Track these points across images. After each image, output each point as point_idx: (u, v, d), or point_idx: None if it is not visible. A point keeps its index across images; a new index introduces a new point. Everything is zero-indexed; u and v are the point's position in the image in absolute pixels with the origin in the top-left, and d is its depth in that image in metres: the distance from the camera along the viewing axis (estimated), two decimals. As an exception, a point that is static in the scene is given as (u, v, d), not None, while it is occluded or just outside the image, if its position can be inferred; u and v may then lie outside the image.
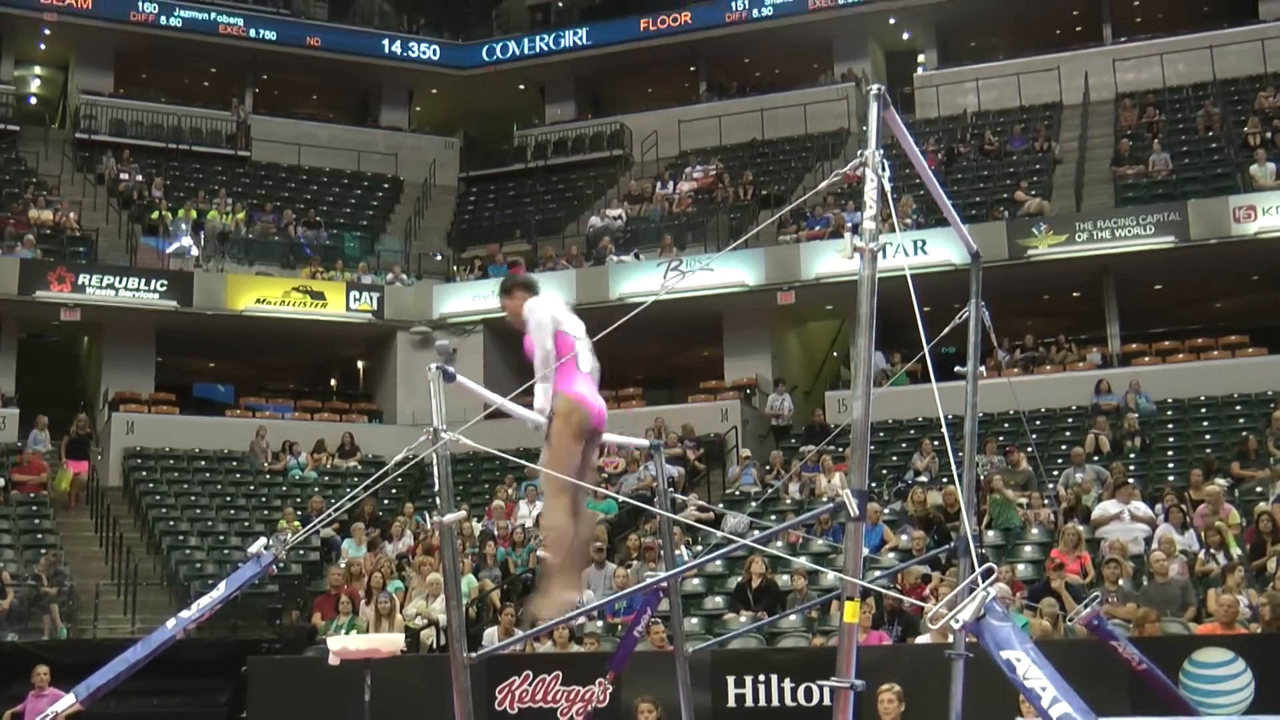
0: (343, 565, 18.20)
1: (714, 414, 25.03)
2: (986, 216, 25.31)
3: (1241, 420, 21.42)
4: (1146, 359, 24.18)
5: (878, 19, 34.77)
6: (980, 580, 4.39)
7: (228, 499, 24.34)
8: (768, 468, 21.85)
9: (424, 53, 36.83)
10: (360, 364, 30.67)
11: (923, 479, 19.86)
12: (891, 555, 16.61)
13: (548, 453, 6.61)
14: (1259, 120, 27.10)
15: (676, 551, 15.35)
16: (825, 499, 19.34)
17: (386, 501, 23.21)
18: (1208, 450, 20.11)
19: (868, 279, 4.83)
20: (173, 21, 34.27)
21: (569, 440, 6.59)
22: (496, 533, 19.73)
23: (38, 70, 37.25)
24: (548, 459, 6.59)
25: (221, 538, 22.82)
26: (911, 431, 22.17)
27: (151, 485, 24.44)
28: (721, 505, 20.55)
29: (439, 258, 31.14)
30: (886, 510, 18.47)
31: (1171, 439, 21.63)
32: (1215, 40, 31.40)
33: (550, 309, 6.98)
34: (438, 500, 6.62)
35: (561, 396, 6.65)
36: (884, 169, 4.93)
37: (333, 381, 31.58)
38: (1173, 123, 29.25)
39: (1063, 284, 25.96)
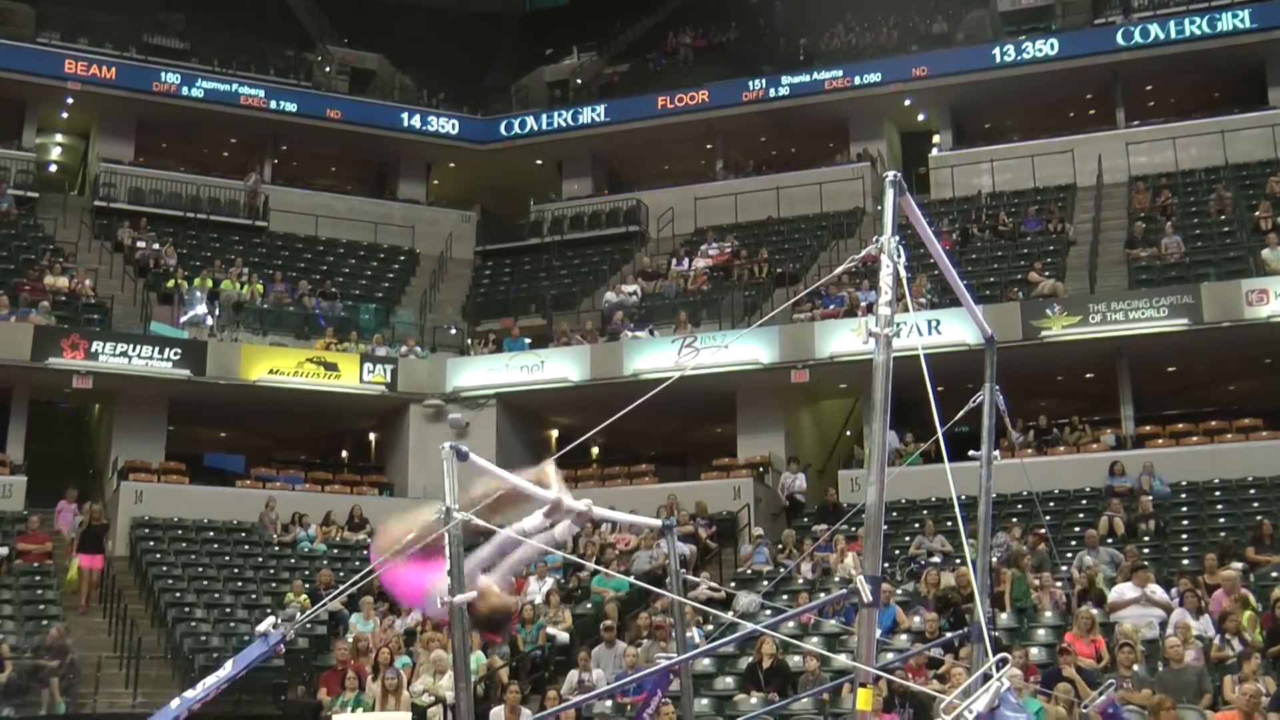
0: (350, 640, 18.10)
1: (727, 492, 24.95)
2: (1001, 297, 25.33)
3: (1256, 504, 21.30)
4: (1160, 441, 24.08)
5: (893, 100, 35.00)
6: (994, 670, 4.35)
7: (235, 571, 24.17)
8: (780, 547, 21.77)
9: (443, 127, 37.08)
10: (372, 436, 30.63)
11: (935, 560, 19.75)
12: (904, 637, 16.49)
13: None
14: (1270, 204, 27.16)
15: (688, 633, 15.26)
16: (838, 580, 19.24)
17: (396, 575, 23.08)
18: (1222, 534, 19.98)
19: (882, 364, 4.83)
20: (195, 92, 34.59)
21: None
22: (506, 608, 19.60)
23: (59, 138, 37.54)
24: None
25: (228, 610, 22.65)
26: (924, 512, 22.06)
27: (159, 556, 24.23)
28: (733, 584, 20.46)
29: (453, 331, 31.18)
30: (899, 591, 18.36)
31: (1186, 522, 21.49)
32: (1226, 125, 31.60)
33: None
34: (449, 579, 6.59)
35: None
36: (899, 254, 4.94)
37: (344, 453, 31.52)
38: (1185, 206, 29.33)
39: (1076, 365, 25.92)
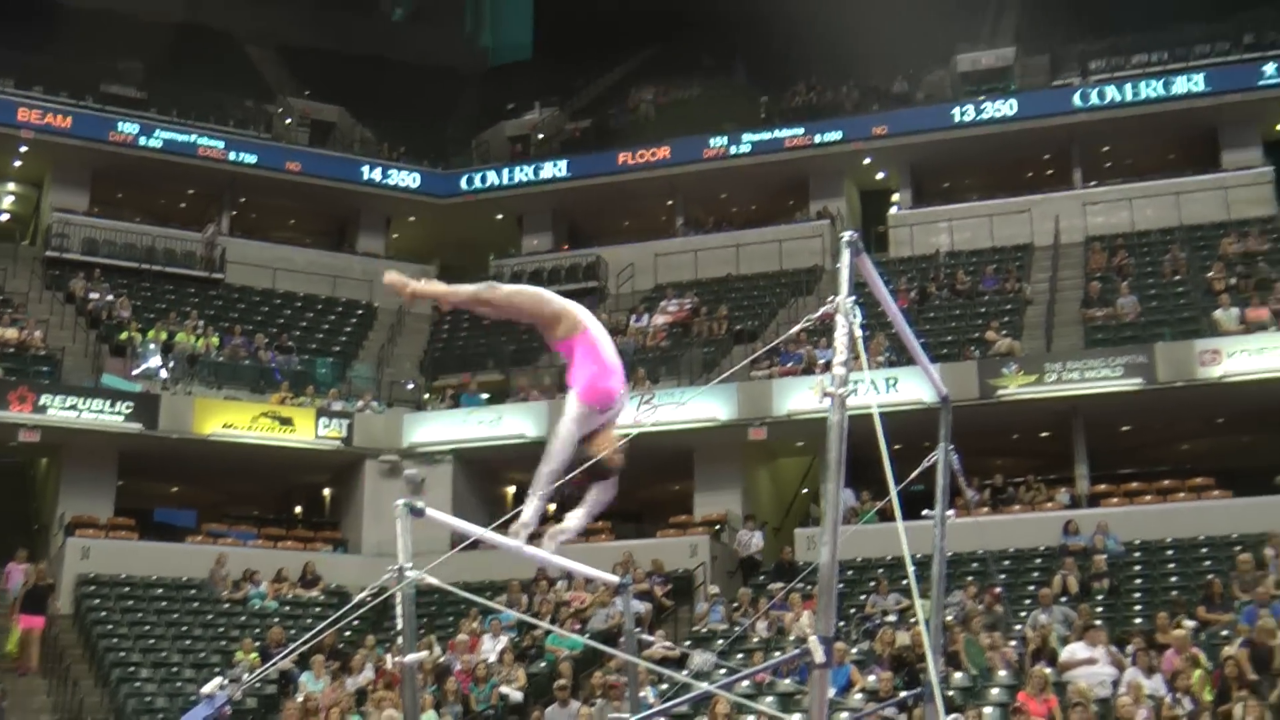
0: (300, 700, 17.87)
1: (683, 549, 24.86)
2: (958, 356, 25.43)
3: (1207, 563, 21.41)
4: (1114, 500, 24.17)
5: (853, 159, 35.26)
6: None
7: (183, 629, 23.76)
8: (736, 605, 21.67)
9: (403, 180, 37.06)
10: (327, 491, 30.40)
11: (891, 618, 19.70)
12: (859, 696, 16.42)
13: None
14: (1223, 265, 27.48)
15: (642, 693, 15.15)
16: (793, 639, 19.16)
17: (348, 633, 22.84)
18: (1174, 593, 20.07)
19: (837, 424, 4.82)
20: (152, 143, 34.41)
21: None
22: (459, 667, 19.45)
23: (11, 187, 37.08)
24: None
25: (174, 669, 22.22)
26: (880, 570, 22.03)
27: (104, 614, 23.77)
28: (689, 643, 20.33)
29: (411, 386, 31.01)
30: (855, 650, 18.30)
31: (1139, 580, 21.56)
32: (1181, 187, 32.04)
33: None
34: (400, 639, 6.52)
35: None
36: (856, 314, 4.94)
37: (298, 509, 31.23)
38: (1141, 266, 29.59)
39: (1032, 424, 26.02)
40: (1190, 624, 17.55)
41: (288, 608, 24.57)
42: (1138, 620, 19.17)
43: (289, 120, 38.92)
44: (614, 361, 6.47)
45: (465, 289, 6.64)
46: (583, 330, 6.45)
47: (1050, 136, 33.97)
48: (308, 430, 27.15)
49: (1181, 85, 33.05)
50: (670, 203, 36.89)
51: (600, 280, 34.77)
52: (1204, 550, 22.05)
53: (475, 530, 7.81)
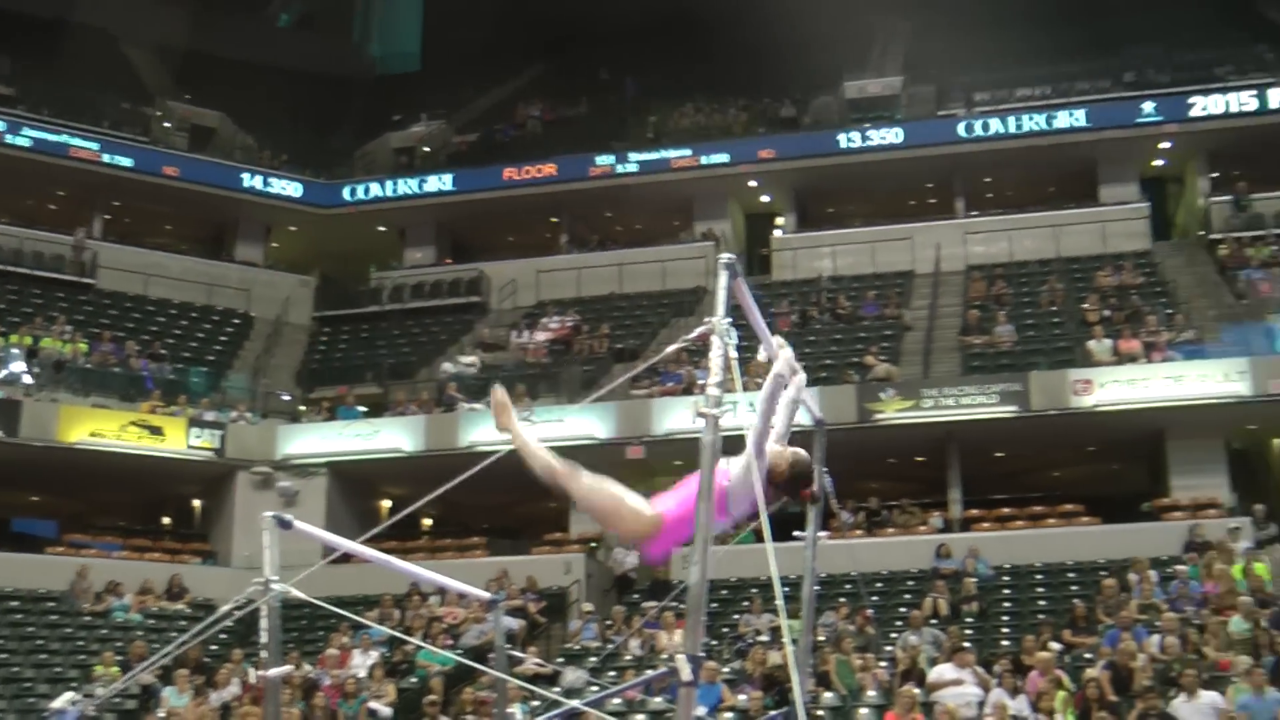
0: (162, 715, 17.49)
1: (558, 566, 24.75)
2: (837, 379, 25.64)
3: (1074, 587, 21.81)
4: (986, 525, 24.52)
5: (739, 181, 35.47)
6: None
7: (39, 643, 23.00)
8: (609, 623, 21.62)
9: (284, 189, 36.57)
10: (197, 503, 29.83)
11: (764, 638, 19.77)
12: (729, 715, 16.45)
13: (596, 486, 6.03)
14: (1098, 298, 28.06)
15: (511, 710, 15.04)
16: (665, 657, 19.15)
17: (214, 647, 22.39)
18: (1041, 616, 20.39)
19: (710, 444, 4.80)
20: (20, 141, 33.49)
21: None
22: (329, 682, 19.17)
23: None
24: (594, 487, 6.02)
25: (28, 685, 21.46)
26: (754, 590, 22.09)
27: (-48, 629, 22.96)
28: (561, 660, 20.26)
29: (286, 397, 30.56)
30: (726, 669, 18.33)
31: (1007, 604, 21.88)
32: (1059, 220, 32.70)
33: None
34: (264, 653, 6.40)
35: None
36: (731, 336, 4.95)
37: (166, 520, 30.60)
38: (1019, 296, 30.08)
39: (908, 448, 26.29)
40: (1056, 647, 17.87)
41: (152, 621, 24.01)
42: (1005, 643, 19.46)
43: (167, 124, 38.14)
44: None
45: (544, 456, 6.08)
46: (660, 523, 5.95)
47: (934, 166, 34.44)
48: (178, 440, 26.64)
49: (1063, 120, 33.74)
50: (555, 220, 36.83)
51: (482, 295, 34.61)
52: (1071, 575, 22.48)
53: (344, 544, 7.70)
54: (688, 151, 35.65)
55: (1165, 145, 33.95)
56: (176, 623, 23.40)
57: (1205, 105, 33.07)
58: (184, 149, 36.96)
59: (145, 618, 24.07)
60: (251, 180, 36.23)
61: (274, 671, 6.12)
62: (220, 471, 27.39)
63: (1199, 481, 24.24)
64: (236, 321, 34.07)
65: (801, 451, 5.99)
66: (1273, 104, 32.69)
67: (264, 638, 6.25)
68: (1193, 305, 28.05)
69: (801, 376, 6.03)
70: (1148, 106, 33.58)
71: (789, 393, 5.99)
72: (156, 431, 26.45)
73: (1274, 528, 22.79)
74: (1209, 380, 23.83)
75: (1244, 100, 32.90)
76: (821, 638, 18.42)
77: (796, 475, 6.02)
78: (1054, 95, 35.82)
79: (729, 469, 5.76)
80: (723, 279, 5.16)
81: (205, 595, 24.92)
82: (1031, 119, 33.96)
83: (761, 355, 5.97)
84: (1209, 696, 15.12)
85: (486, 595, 9.94)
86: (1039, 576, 22.78)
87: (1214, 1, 43.15)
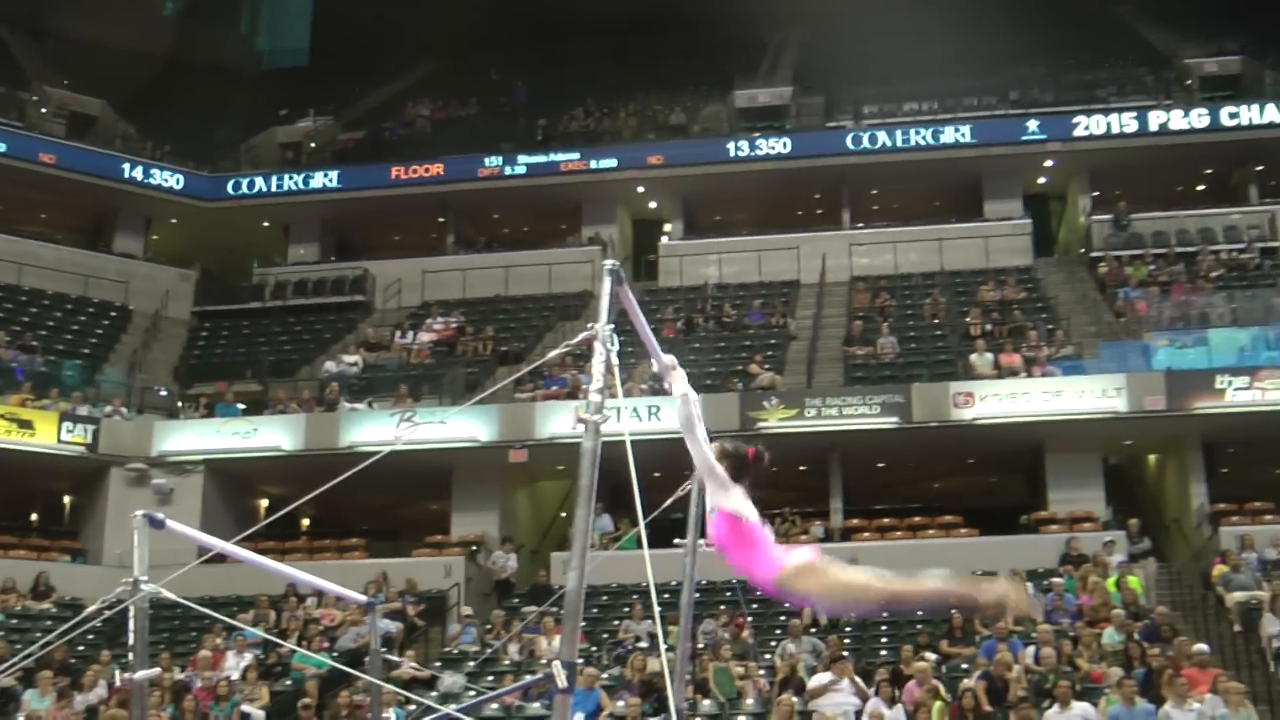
0: (21, 719, 17.03)
1: (438, 569, 24.53)
2: (721, 387, 25.69)
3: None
4: (867, 535, 24.68)
5: (627, 187, 35.51)
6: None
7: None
8: (488, 627, 21.48)
9: (166, 181, 35.90)
10: (68, 499, 29.16)
11: (643, 644, 19.74)
12: (607, 722, 16.38)
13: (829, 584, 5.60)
14: (980, 312, 28.43)
15: (386, 714, 14.86)
16: (544, 662, 19.04)
17: (82, 648, 21.87)
18: (919, 627, 20.54)
19: (590, 450, 4.75)
20: (-113, 124, 32.62)
21: (835, 579, 5.57)
22: (200, 684, 18.81)
23: None
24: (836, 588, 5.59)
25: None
26: (634, 596, 22.06)
27: None
28: (439, 664, 20.08)
29: (164, 393, 29.95)
30: (605, 675, 18.26)
31: (885, 614, 22.01)
32: (944, 233, 33.10)
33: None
34: (131, 655, 6.24)
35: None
36: (614, 342, 4.91)
37: (34, 516, 29.85)
38: (902, 308, 30.42)
39: (790, 457, 26.39)
40: (932, 657, 18.05)
41: (15, 621, 23.35)
42: (883, 652, 19.61)
43: (45, 110, 37.29)
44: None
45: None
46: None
47: (821, 176, 34.72)
48: (49, 434, 25.98)
49: (949, 135, 34.22)
50: (442, 220, 36.59)
51: (367, 294, 34.30)
52: (950, 586, 22.64)
53: (219, 544, 7.54)
54: (576, 155, 35.64)
55: (1049, 163, 34.60)
56: (42, 623, 22.80)
57: (1088, 125, 33.76)
58: (62, 136, 36.12)
59: (8, 617, 23.38)
60: (132, 171, 35.50)
61: (141, 674, 5.97)
62: (93, 467, 26.78)
63: (1076, 495, 24.63)
64: (114, 314, 33.39)
65: (715, 446, 5.86)
66: (1153, 126, 33.45)
67: (132, 639, 6.09)
68: (1072, 322, 28.50)
69: (694, 395, 5.93)
70: (1032, 125, 34.20)
71: (696, 409, 5.89)
72: (26, 425, 25.77)
73: (1147, 542, 23.22)
74: (1087, 396, 24.22)
75: (1125, 121, 33.62)
76: (701, 645, 18.44)
77: (738, 461, 5.87)
78: (941, 111, 36.38)
79: (724, 505, 5.72)
80: (607, 285, 5.12)
81: (73, 594, 24.33)
82: (918, 133, 34.39)
83: (654, 365, 5.91)
84: (1081, 708, 15.36)
85: (363, 599, 9.80)
86: (918, 587, 22.95)
87: (1097, 24, 44.16)
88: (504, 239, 37.48)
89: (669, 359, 5.91)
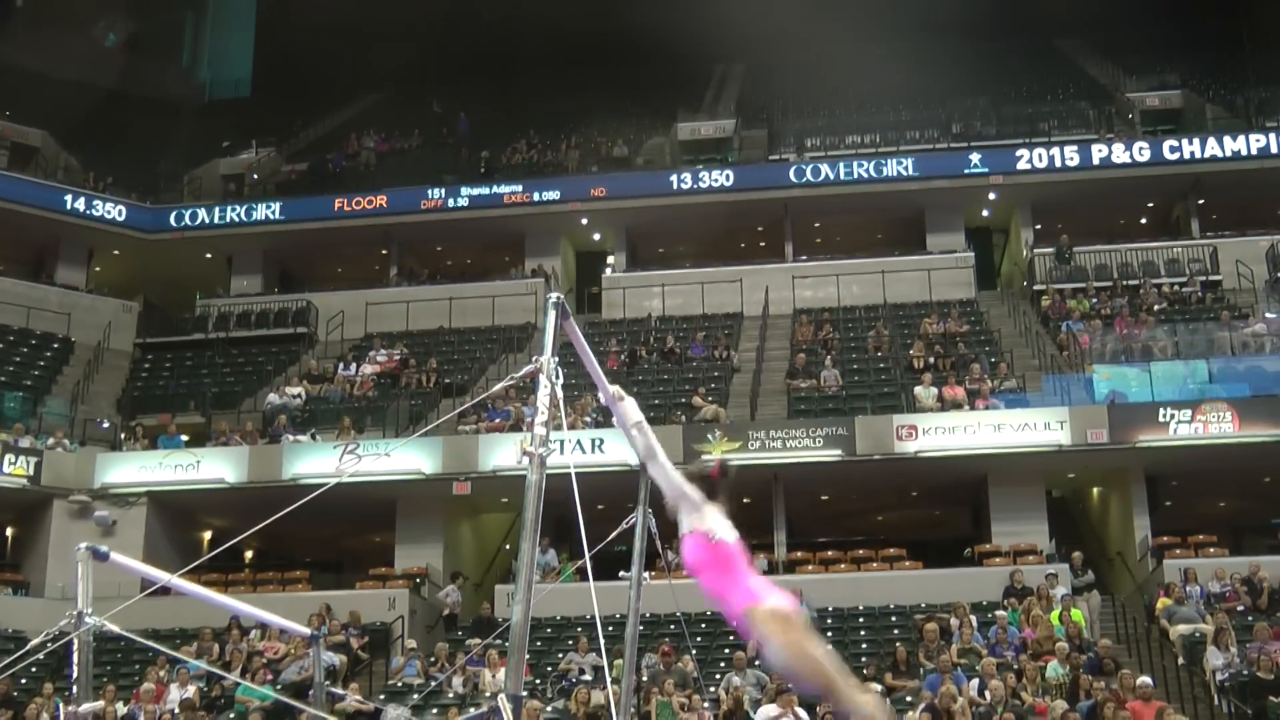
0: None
1: (381, 602, 24.43)
2: (664, 419, 25.76)
3: (896, 630, 22.13)
4: (810, 567, 24.77)
5: (570, 219, 35.61)
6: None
7: None
8: (433, 660, 21.43)
9: (109, 212, 35.70)
10: (9, 531, 28.86)
11: (587, 677, 19.77)
12: (552, 756, 16.40)
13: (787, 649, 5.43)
14: (923, 344, 28.62)
15: (330, 747, 14.79)
16: (489, 695, 19.05)
17: (25, 681, 21.69)
18: (864, 659, 20.65)
19: (534, 483, 4.81)
20: None
21: (799, 640, 5.43)
22: (143, 717, 18.69)
23: None
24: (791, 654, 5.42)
25: None
26: (579, 629, 22.08)
27: None
28: (383, 697, 20.01)
29: (106, 425, 29.76)
30: (549, 708, 18.28)
31: (830, 646, 22.07)
32: (887, 266, 33.33)
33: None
34: (75, 688, 6.25)
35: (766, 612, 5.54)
36: (558, 375, 4.97)
37: (-27, 549, 29.54)
38: (845, 340, 30.58)
39: (735, 490, 26.35)
40: (877, 689, 18.12)
41: (-46, 656, 23.16)
42: (827, 684, 19.64)
43: (-14, 141, 37.09)
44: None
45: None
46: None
47: (764, 209, 34.95)
48: (-10, 466, 25.79)
49: (892, 168, 34.52)
50: (385, 252, 36.57)
51: (310, 326, 34.18)
52: (894, 619, 22.80)
53: (162, 576, 7.56)
54: (519, 187, 35.71)
55: (991, 196, 34.93)
56: (-20, 657, 22.56)
57: (1030, 158, 34.14)
58: (3, 167, 35.93)
59: (-53, 652, 23.18)
60: (75, 202, 35.29)
61: (85, 707, 5.99)
62: (35, 499, 26.54)
63: (1019, 528, 24.73)
64: (56, 345, 33.12)
65: (683, 467, 5.90)
66: (1095, 159, 33.86)
67: (75, 672, 6.10)
68: (1015, 354, 28.76)
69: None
70: (975, 158, 34.53)
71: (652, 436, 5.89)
72: (-34, 457, 25.56)
73: (1090, 575, 23.36)
74: (1030, 429, 24.33)
75: (1068, 154, 34.02)
76: (645, 678, 18.48)
77: (705, 481, 5.88)
78: (883, 144, 36.75)
79: (698, 526, 5.70)
80: (551, 319, 5.19)
81: (15, 627, 24.10)
82: (861, 166, 34.67)
83: (602, 398, 5.93)
84: (1022, 738, 15.49)
85: (307, 631, 9.82)
86: (861, 619, 23.10)
87: (1039, 58, 44.76)
88: (447, 271, 37.51)
89: (615, 389, 5.85)
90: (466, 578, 26.18)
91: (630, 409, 5.80)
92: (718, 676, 19.69)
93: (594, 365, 5.87)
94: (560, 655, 21.19)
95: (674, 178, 35.35)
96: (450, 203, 35.56)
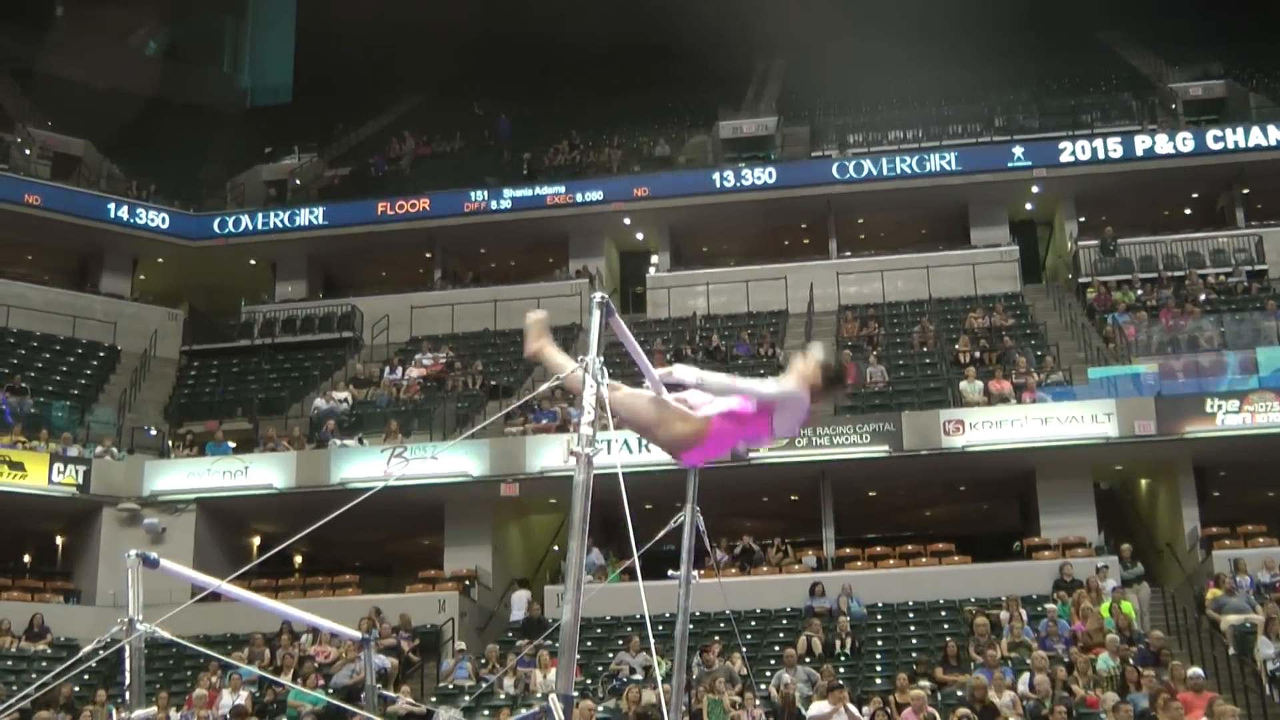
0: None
1: (431, 605, 24.47)
2: (710, 417, 25.65)
3: (946, 625, 22.05)
4: (859, 563, 24.70)
5: (613, 219, 35.56)
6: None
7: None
8: (484, 661, 21.45)
9: (152, 220, 35.89)
10: (60, 540, 29.09)
11: (638, 676, 19.73)
12: (603, 756, 16.36)
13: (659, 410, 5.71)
14: (969, 339, 28.46)
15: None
16: (539, 696, 19.03)
17: (78, 688, 21.81)
18: (914, 654, 20.57)
19: (582, 483, 4.76)
20: None
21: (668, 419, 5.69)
22: (194, 724, 18.78)
23: None
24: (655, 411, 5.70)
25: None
26: (629, 629, 22.05)
27: None
28: (434, 700, 20.05)
29: (153, 433, 29.92)
30: (601, 708, 18.25)
31: (880, 642, 22.04)
32: (932, 261, 33.13)
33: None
34: (127, 695, 6.24)
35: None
36: (603, 375, 4.91)
37: (27, 558, 29.77)
38: (891, 336, 30.45)
39: (782, 487, 26.45)
40: (927, 684, 18.04)
41: (10, 662, 23.31)
42: (878, 681, 19.60)
43: (29, 151, 37.30)
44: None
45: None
46: (708, 427, 5.72)
47: (807, 206, 34.81)
48: (40, 476, 25.94)
49: (935, 163, 34.31)
50: (429, 255, 36.65)
51: (355, 331, 34.27)
52: (943, 613, 22.69)
53: (212, 582, 7.54)
54: (562, 189, 35.71)
55: (1035, 190, 34.65)
56: (37, 663, 22.74)
57: (1074, 151, 33.87)
58: (47, 177, 36.19)
59: (3, 658, 23.35)
60: (118, 210, 35.50)
61: (138, 713, 5.96)
62: (84, 508, 26.74)
63: (1068, 521, 24.60)
64: (102, 354, 33.35)
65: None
66: (1138, 151, 33.58)
67: (128, 679, 6.09)
68: (1061, 347, 28.56)
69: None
70: (1018, 151, 34.27)
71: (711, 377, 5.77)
72: (17, 467, 25.74)
73: (1140, 567, 23.20)
74: (1077, 421, 24.21)
75: (1111, 146, 33.75)
76: (694, 676, 18.41)
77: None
78: (926, 139, 36.52)
79: (761, 390, 5.64)
80: (595, 318, 5.13)
81: (68, 635, 24.27)
82: (904, 162, 34.49)
83: (650, 389, 5.83)
84: (1076, 733, 15.37)
85: (358, 635, 9.80)
86: (911, 615, 23.00)
87: (1082, 50, 44.41)
88: (491, 273, 37.54)
89: (662, 370, 5.75)
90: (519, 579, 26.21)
91: (684, 374, 5.68)
92: (768, 674, 19.62)
93: (642, 358, 5.78)
94: (611, 655, 21.16)
95: (716, 176, 35.25)
96: (493, 205, 35.58)
